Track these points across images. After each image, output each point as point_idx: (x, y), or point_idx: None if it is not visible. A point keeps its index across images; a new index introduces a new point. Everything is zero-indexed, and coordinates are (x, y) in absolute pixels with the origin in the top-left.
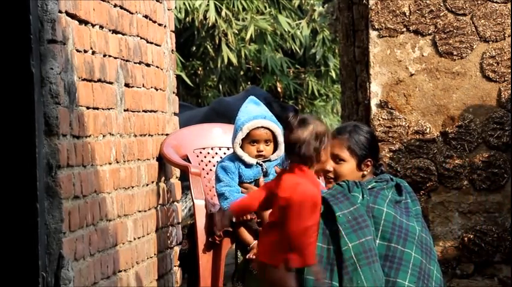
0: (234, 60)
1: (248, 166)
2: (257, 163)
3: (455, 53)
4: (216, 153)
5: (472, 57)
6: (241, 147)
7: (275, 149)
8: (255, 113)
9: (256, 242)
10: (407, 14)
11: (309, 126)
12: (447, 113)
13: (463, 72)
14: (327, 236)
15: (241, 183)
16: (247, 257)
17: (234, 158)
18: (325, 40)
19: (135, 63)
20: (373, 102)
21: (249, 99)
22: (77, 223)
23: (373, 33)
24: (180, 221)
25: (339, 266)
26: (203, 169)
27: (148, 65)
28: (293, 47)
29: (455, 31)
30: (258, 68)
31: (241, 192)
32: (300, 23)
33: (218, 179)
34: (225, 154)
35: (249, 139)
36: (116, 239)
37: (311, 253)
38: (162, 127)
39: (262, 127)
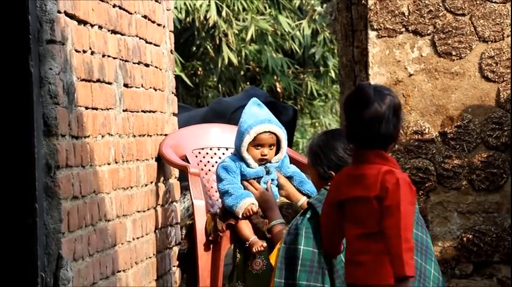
0: (235, 60)
1: (251, 165)
2: (259, 164)
3: (454, 53)
4: (215, 153)
5: (471, 58)
6: (246, 150)
7: (277, 151)
8: (261, 117)
9: (255, 237)
10: (406, 14)
11: (386, 98)
12: (446, 113)
13: (462, 72)
14: (318, 240)
15: (244, 180)
16: (254, 250)
17: (236, 158)
18: (326, 40)
19: (134, 63)
20: None
21: (251, 101)
22: (75, 223)
23: (372, 34)
24: (179, 221)
25: (329, 270)
26: (202, 169)
27: (147, 65)
28: (293, 47)
29: (454, 31)
30: (258, 69)
31: (244, 188)
32: (301, 23)
33: (220, 179)
34: (223, 154)
35: (254, 143)
36: (114, 240)
37: (409, 261)
38: (161, 127)
39: (268, 132)
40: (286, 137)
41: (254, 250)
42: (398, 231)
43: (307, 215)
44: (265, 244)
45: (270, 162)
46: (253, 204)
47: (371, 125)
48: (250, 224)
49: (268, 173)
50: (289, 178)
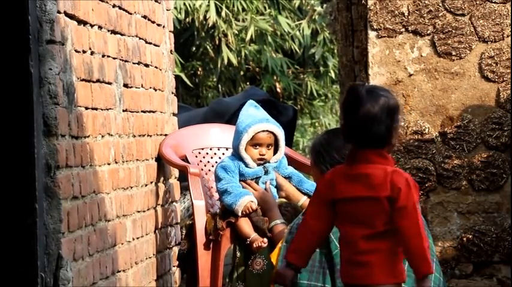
0: (234, 60)
1: (249, 165)
2: (258, 164)
3: (454, 53)
4: (215, 153)
5: (470, 58)
6: (244, 150)
7: (275, 152)
8: (259, 117)
9: (255, 234)
10: (406, 14)
11: (380, 99)
12: (446, 113)
13: (462, 72)
14: None
15: (243, 181)
16: (254, 245)
17: (235, 158)
18: (326, 41)
19: (133, 63)
20: None
21: (248, 103)
22: (75, 223)
23: (371, 34)
24: (179, 221)
25: (331, 270)
26: (202, 169)
27: (147, 65)
28: (293, 48)
29: (454, 31)
30: (257, 69)
31: (243, 188)
32: (301, 23)
33: (218, 179)
34: (223, 154)
35: (253, 142)
36: (114, 240)
37: (429, 260)
38: (161, 127)
39: (267, 131)
40: (284, 136)
41: (255, 246)
42: (418, 230)
43: None
44: (266, 240)
45: (269, 162)
46: (252, 201)
47: (363, 126)
48: (250, 223)
49: (266, 173)
50: (288, 178)
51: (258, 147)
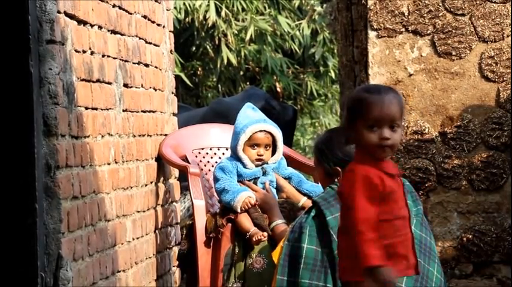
0: (234, 60)
1: (247, 166)
2: (256, 164)
3: (454, 53)
4: (215, 153)
5: (470, 58)
6: (242, 150)
7: (273, 153)
8: (256, 118)
9: (255, 228)
10: (406, 14)
11: (355, 93)
12: (446, 113)
13: (462, 72)
14: (321, 239)
15: (241, 182)
16: (254, 239)
17: (233, 159)
18: (326, 41)
19: (133, 63)
20: None
21: (245, 105)
22: (75, 223)
23: (371, 34)
24: (178, 221)
25: (332, 269)
26: (202, 169)
27: (147, 65)
28: (292, 48)
29: (454, 31)
30: (257, 69)
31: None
32: (301, 23)
33: (216, 179)
34: (223, 154)
35: (250, 142)
36: (114, 240)
37: (367, 252)
38: (161, 127)
39: (264, 131)
40: (281, 137)
41: (255, 239)
42: (356, 226)
43: (312, 214)
44: (266, 234)
45: (267, 163)
46: (250, 197)
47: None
48: (250, 219)
49: (264, 173)
50: (288, 179)
51: (255, 147)
